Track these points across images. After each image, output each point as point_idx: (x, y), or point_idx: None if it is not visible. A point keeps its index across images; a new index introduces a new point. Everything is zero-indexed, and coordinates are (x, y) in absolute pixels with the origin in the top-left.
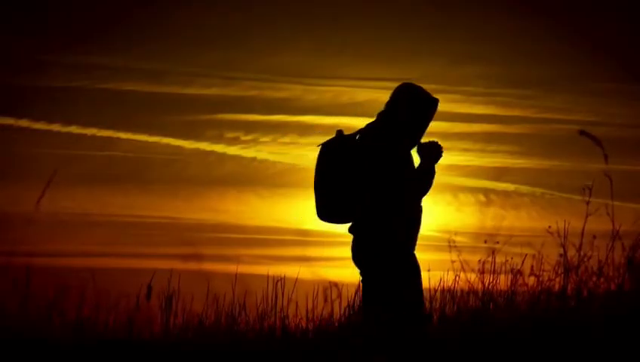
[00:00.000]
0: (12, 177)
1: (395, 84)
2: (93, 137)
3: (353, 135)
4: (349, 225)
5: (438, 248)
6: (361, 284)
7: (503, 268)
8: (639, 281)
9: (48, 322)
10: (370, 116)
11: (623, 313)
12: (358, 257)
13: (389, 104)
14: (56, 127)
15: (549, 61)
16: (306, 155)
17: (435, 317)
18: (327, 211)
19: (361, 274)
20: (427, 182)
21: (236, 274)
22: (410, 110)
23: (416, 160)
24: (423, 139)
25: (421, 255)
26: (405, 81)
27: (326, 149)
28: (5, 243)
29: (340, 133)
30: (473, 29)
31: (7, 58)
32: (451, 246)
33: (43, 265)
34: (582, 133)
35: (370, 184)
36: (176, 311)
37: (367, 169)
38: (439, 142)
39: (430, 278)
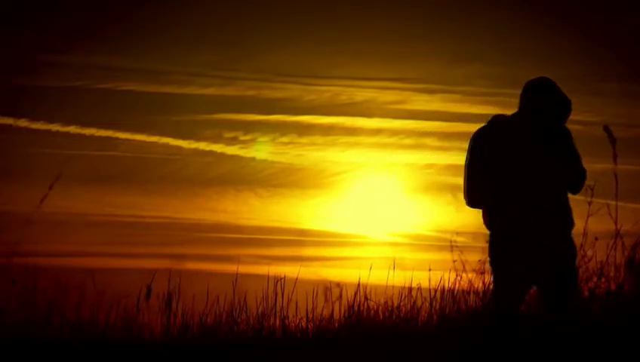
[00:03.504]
0: (11, 177)
1: (395, 84)
2: (92, 137)
3: (507, 120)
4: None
5: (438, 248)
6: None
7: None
8: (639, 281)
9: (48, 322)
10: (369, 115)
11: (623, 313)
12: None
13: (529, 98)
14: (55, 127)
15: (551, 61)
16: (305, 155)
17: (435, 317)
18: (474, 197)
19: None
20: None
21: (236, 274)
22: (550, 108)
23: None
24: None
25: (422, 255)
26: (542, 76)
27: (478, 135)
28: (5, 243)
29: (495, 118)
30: (473, 28)
31: (7, 58)
32: (452, 246)
33: (43, 265)
34: (605, 128)
35: (521, 170)
36: (176, 311)
37: (518, 154)
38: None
39: (431, 278)
